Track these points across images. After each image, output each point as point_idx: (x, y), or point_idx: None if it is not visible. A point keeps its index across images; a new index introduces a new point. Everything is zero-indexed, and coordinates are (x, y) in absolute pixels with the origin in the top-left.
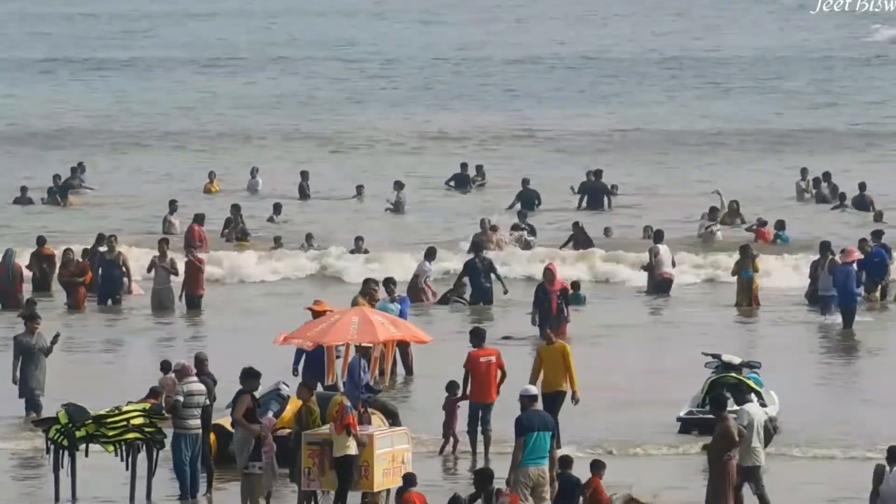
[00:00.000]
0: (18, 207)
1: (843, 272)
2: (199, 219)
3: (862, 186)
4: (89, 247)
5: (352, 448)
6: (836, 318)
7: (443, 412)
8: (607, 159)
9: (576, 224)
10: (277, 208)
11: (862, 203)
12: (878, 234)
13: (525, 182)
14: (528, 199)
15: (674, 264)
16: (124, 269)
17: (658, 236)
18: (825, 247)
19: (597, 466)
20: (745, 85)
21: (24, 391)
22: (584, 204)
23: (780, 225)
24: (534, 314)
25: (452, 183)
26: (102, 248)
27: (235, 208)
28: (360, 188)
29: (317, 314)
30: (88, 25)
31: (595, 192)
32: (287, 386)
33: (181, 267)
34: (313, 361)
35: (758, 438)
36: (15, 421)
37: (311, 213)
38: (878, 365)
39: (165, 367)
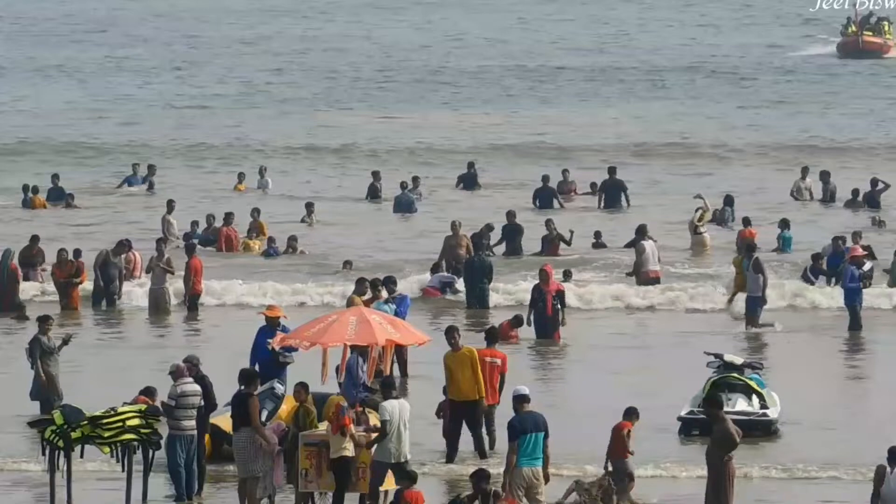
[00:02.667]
0: (22, 209)
1: (846, 272)
2: (228, 219)
3: (874, 182)
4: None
5: (349, 449)
6: (765, 325)
7: (440, 414)
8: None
9: (548, 222)
10: (310, 208)
11: (873, 200)
12: (856, 235)
13: (545, 179)
14: (545, 198)
15: (659, 260)
16: (122, 270)
17: (641, 231)
18: (750, 248)
19: (629, 413)
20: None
21: (41, 393)
22: (602, 203)
23: (785, 224)
24: (528, 315)
25: (462, 185)
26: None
27: (256, 211)
28: (416, 180)
29: (270, 319)
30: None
31: (613, 191)
32: (282, 385)
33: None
34: (266, 365)
35: (396, 435)
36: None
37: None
38: (882, 372)
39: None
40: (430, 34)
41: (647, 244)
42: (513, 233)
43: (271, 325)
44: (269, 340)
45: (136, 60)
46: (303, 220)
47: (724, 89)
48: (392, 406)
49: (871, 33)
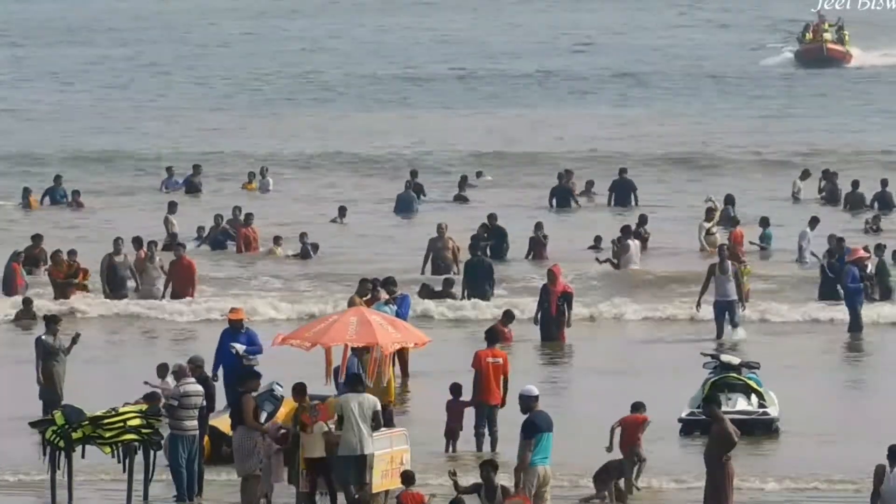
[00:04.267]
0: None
1: (847, 272)
2: (248, 219)
3: (884, 183)
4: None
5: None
6: (728, 328)
7: (442, 414)
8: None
9: (537, 225)
10: (342, 211)
11: (883, 201)
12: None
13: (560, 177)
14: (562, 196)
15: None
16: (132, 269)
17: (626, 232)
18: (722, 250)
19: (641, 408)
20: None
21: (46, 393)
22: (612, 202)
23: (765, 222)
24: (536, 315)
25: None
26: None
27: (238, 209)
28: (464, 180)
29: (233, 322)
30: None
31: (623, 191)
32: (281, 386)
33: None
34: (232, 368)
35: (356, 427)
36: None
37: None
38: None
39: (162, 370)
40: (428, 35)
41: (633, 243)
42: (495, 236)
43: (234, 328)
44: (233, 344)
45: (136, 62)
46: (333, 221)
47: (702, 93)
48: (349, 399)
49: (827, 40)
